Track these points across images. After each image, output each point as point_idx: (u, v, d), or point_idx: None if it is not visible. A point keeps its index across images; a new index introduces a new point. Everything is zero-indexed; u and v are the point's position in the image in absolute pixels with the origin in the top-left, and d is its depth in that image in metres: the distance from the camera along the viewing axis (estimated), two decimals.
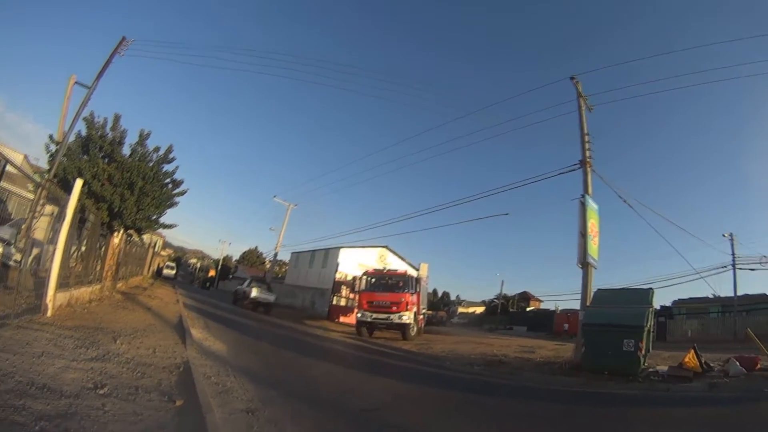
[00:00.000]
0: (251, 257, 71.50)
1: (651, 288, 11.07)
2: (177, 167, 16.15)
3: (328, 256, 33.03)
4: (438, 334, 23.58)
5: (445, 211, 20.22)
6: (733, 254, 28.29)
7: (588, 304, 10.92)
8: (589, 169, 12.56)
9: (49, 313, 7.05)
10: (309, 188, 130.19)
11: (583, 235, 11.69)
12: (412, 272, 23.20)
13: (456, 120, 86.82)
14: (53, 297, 7.30)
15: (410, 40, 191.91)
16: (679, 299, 33.86)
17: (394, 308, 16.84)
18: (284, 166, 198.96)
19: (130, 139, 15.15)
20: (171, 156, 15.83)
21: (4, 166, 5.94)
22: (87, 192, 12.45)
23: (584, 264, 11.65)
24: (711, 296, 28.07)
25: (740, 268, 27.93)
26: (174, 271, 52.78)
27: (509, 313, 55.49)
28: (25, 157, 24.93)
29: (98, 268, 12.46)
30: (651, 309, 9.48)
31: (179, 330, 9.15)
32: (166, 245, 78.65)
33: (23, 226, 8.76)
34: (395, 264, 30.50)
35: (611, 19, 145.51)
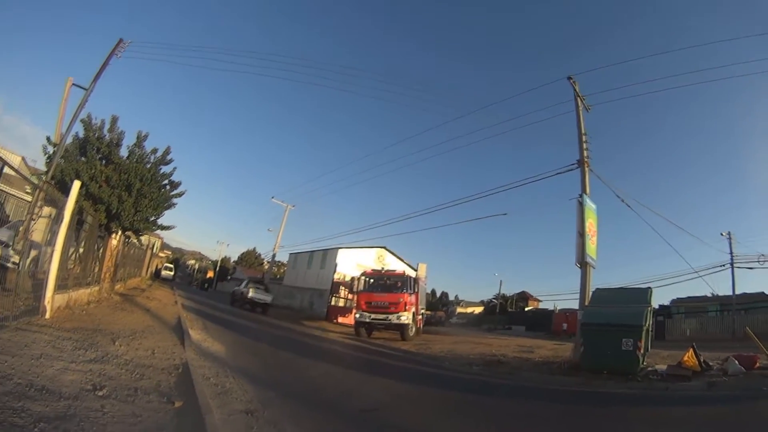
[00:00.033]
0: (249, 258, 71.40)
1: (649, 287, 11.08)
2: (175, 168, 16.18)
3: (327, 256, 33.01)
4: (437, 334, 23.58)
5: (443, 211, 20.22)
6: (731, 253, 28.36)
7: (586, 303, 10.93)
8: (586, 169, 12.59)
9: (47, 315, 7.03)
10: (307, 189, 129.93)
11: (581, 234, 11.70)
12: (411, 272, 23.19)
13: (455, 120, 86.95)
14: (51, 299, 7.29)
15: (410, 40, 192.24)
16: (677, 298, 33.92)
17: (393, 309, 16.83)
18: (282, 166, 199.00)
19: (128, 141, 15.18)
20: (169, 157, 15.85)
21: (2, 168, 5.92)
22: (85, 194, 12.43)
23: (582, 263, 11.67)
24: (709, 295, 28.11)
25: (738, 267, 28.00)
26: (172, 273, 52.70)
27: (508, 313, 55.47)
28: (23, 159, 24.92)
29: (96, 269, 12.43)
30: (649, 308, 9.49)
31: (178, 331, 9.14)
32: (164, 246, 78.39)
33: (21, 228, 8.75)
34: (394, 264, 30.46)
35: (609, 19, 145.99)
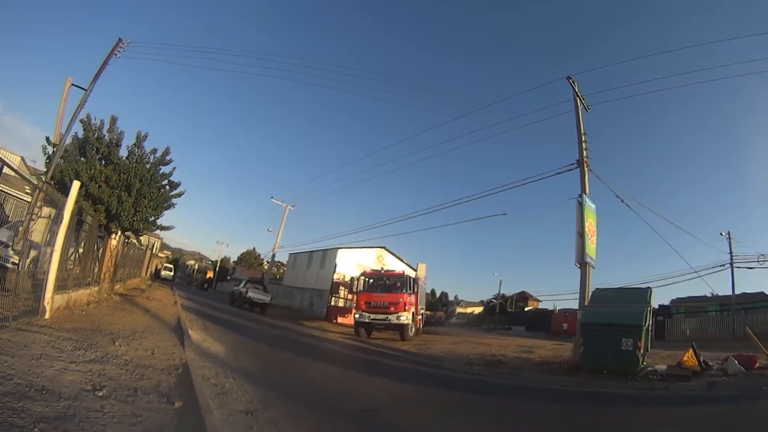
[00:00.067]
0: (249, 258, 71.37)
1: (649, 287, 11.08)
2: (174, 168, 16.20)
3: (326, 256, 33.02)
4: (436, 334, 23.58)
5: (443, 211, 20.25)
6: (731, 253, 28.40)
7: (586, 303, 10.94)
8: (586, 169, 12.59)
9: (47, 316, 7.03)
10: (307, 189, 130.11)
11: (581, 234, 11.71)
12: (410, 272, 23.21)
13: (455, 120, 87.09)
14: (51, 299, 7.29)
15: (410, 40, 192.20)
16: (677, 298, 33.91)
17: (392, 309, 16.82)
18: (282, 167, 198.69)
19: (128, 141, 15.19)
20: (168, 158, 15.86)
21: (2, 169, 5.92)
22: (84, 194, 12.43)
23: (582, 263, 11.67)
24: (709, 295, 28.15)
25: (738, 267, 28.05)
26: (172, 273, 52.70)
27: (508, 313, 55.48)
28: (23, 159, 24.91)
29: (96, 270, 12.43)
30: (649, 308, 9.50)
31: (177, 331, 9.13)
32: (164, 247, 78.38)
33: (21, 229, 8.74)
34: (393, 264, 30.47)
35: (609, 19, 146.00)
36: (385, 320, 16.90)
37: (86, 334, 6.53)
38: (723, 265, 27.84)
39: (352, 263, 30.63)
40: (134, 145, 15.14)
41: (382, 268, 23.89)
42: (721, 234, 29.19)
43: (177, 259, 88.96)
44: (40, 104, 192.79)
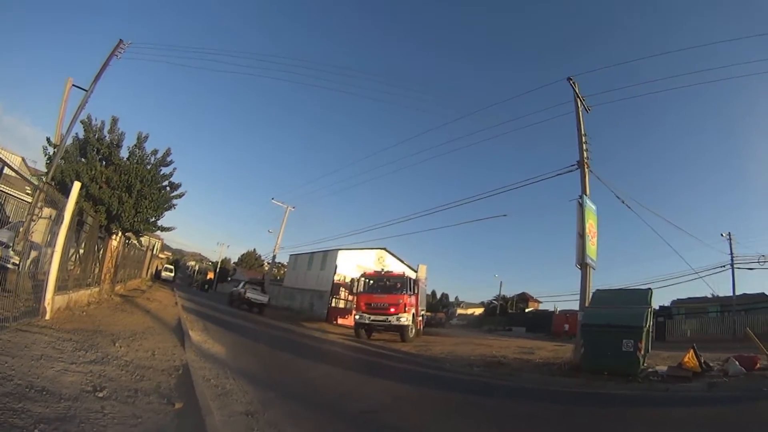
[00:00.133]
0: (249, 259, 71.39)
1: (650, 288, 11.08)
2: (175, 169, 16.20)
3: (327, 258, 33.02)
4: (437, 335, 23.57)
5: (443, 212, 20.29)
6: (731, 254, 28.37)
7: (587, 304, 10.93)
8: (586, 170, 12.59)
9: (47, 316, 7.03)
10: (307, 190, 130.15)
11: (582, 235, 11.70)
12: (411, 274, 23.20)
13: (455, 121, 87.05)
14: (52, 300, 7.29)
15: (410, 40, 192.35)
16: (677, 299, 33.91)
17: (392, 310, 16.81)
18: (283, 168, 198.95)
19: (128, 142, 15.20)
20: (169, 159, 15.86)
21: (2, 169, 5.92)
22: (85, 195, 12.44)
23: (583, 265, 11.67)
24: (710, 296, 28.11)
25: (738, 268, 28.01)
26: (172, 274, 52.70)
27: (508, 314, 55.45)
28: (23, 159, 24.91)
29: (96, 270, 12.44)
30: (650, 309, 9.50)
31: (178, 332, 9.13)
32: (165, 248, 78.46)
33: (21, 229, 8.74)
34: (394, 266, 30.46)
35: (608, 20, 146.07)
36: (385, 321, 16.88)
37: (87, 335, 6.53)
38: (723, 266, 27.84)
39: (353, 264, 30.63)
40: (135, 146, 15.16)
41: (383, 270, 23.89)
42: (722, 235, 29.21)
43: (177, 260, 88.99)
44: (40, 104, 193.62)
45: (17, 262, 7.60)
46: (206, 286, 62.84)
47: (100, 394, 3.83)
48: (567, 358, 11.38)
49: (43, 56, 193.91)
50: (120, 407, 3.63)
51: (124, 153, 15.01)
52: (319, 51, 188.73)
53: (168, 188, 16.14)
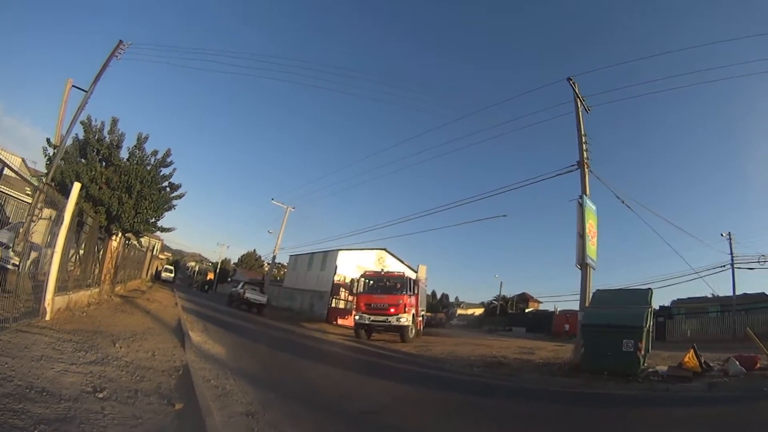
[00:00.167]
0: (249, 260, 71.37)
1: (650, 288, 11.09)
2: (175, 170, 16.18)
3: (327, 258, 33.02)
4: (437, 335, 23.57)
5: (443, 212, 20.30)
6: (731, 253, 28.36)
7: (587, 304, 10.93)
8: (586, 170, 12.59)
9: (47, 317, 7.03)
10: (307, 191, 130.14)
11: (582, 236, 11.70)
12: (411, 274, 23.19)
13: (455, 121, 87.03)
14: (52, 301, 7.29)
15: (410, 41, 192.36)
16: (678, 299, 33.90)
17: (392, 310, 16.80)
18: (283, 168, 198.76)
19: (128, 143, 15.19)
20: (169, 159, 15.85)
21: (2, 170, 5.92)
22: (85, 195, 12.44)
23: (583, 265, 11.67)
24: (710, 296, 28.11)
25: (739, 268, 28.00)
26: (172, 275, 52.70)
27: (508, 314, 55.42)
28: (23, 160, 24.89)
29: (96, 271, 12.44)
30: (650, 309, 9.50)
31: (178, 333, 9.13)
32: (165, 248, 78.45)
33: (21, 230, 8.74)
34: (394, 266, 30.47)
35: (608, 20, 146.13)
36: (385, 322, 16.87)
37: (87, 336, 6.53)
38: (724, 266, 27.83)
39: (353, 265, 30.62)
40: (135, 146, 15.15)
41: (382, 270, 23.88)
42: (722, 235, 29.21)
43: (177, 260, 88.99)
44: (40, 105, 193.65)
45: (17, 263, 7.60)
46: (206, 287, 62.83)
47: (100, 395, 3.83)
48: (567, 358, 11.38)
49: (43, 57, 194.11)
50: (120, 408, 3.62)
51: (124, 154, 15.02)
52: (319, 51, 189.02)
53: (168, 189, 16.14)
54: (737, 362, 8.55)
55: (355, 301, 19.78)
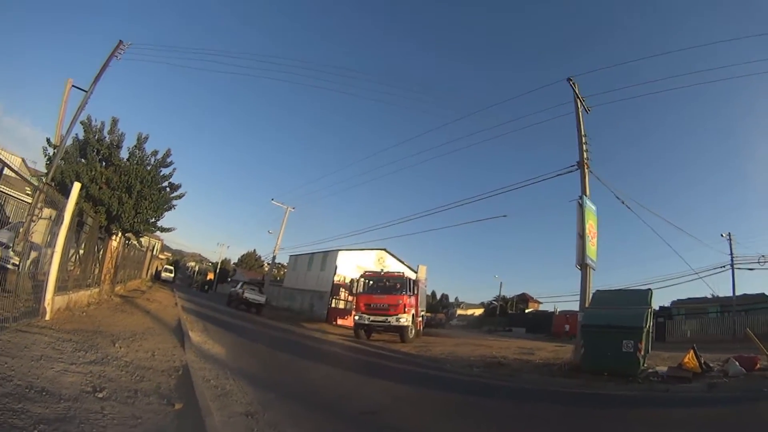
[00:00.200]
0: (250, 260, 71.36)
1: (650, 289, 11.09)
2: (175, 170, 16.19)
3: (327, 258, 33.02)
4: (437, 336, 23.57)
5: (443, 212, 20.32)
6: (731, 254, 28.37)
7: (587, 305, 10.93)
8: (586, 171, 12.59)
9: (47, 317, 7.03)
10: (307, 191, 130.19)
11: (582, 236, 11.70)
12: (410, 274, 23.18)
13: (455, 122, 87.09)
14: (51, 300, 7.29)
15: (410, 41, 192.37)
16: (677, 300, 33.87)
17: (392, 311, 16.79)
18: (283, 169, 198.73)
19: (128, 143, 15.20)
20: (169, 160, 15.85)
21: (2, 170, 5.92)
22: (85, 195, 12.44)
23: (583, 265, 11.67)
24: (710, 296, 28.11)
25: (739, 268, 28.01)
26: (172, 275, 52.73)
27: (508, 314, 55.41)
28: (23, 160, 24.90)
29: (96, 271, 12.44)
30: (650, 310, 9.50)
31: (178, 333, 9.13)
32: (165, 248, 78.44)
33: (21, 230, 8.74)
34: (394, 266, 30.45)
35: (608, 21, 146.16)
36: (384, 322, 16.86)
37: (86, 336, 6.53)
38: (723, 267, 27.84)
39: (353, 265, 30.61)
40: (135, 146, 15.16)
41: (382, 270, 23.88)
42: (722, 235, 29.22)
43: (177, 260, 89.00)
44: (40, 105, 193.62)
45: (17, 263, 7.60)
46: (206, 287, 62.83)
47: (100, 395, 3.83)
48: (567, 358, 11.38)
49: (43, 56, 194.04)
50: (120, 408, 3.62)
51: (124, 154, 15.03)
52: (319, 51, 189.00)
53: (168, 189, 16.15)
54: (737, 363, 8.55)
55: (354, 301, 19.78)
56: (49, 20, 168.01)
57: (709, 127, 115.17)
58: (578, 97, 13.41)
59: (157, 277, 47.77)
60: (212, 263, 78.14)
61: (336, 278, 30.62)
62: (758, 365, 8.67)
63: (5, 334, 5.18)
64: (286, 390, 6.06)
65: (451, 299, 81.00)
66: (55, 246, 7.36)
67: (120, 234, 15.44)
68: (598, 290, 11.56)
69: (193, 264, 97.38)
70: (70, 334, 6.35)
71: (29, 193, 13.05)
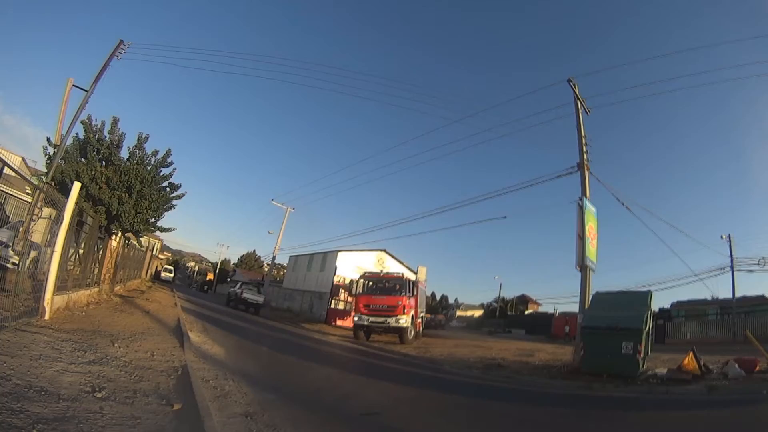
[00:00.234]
0: (249, 261, 71.26)
1: (649, 290, 11.06)
2: (175, 170, 16.16)
3: (327, 259, 32.97)
4: (436, 337, 23.56)
5: (443, 214, 20.24)
6: (731, 256, 28.35)
7: (587, 307, 10.92)
8: (587, 172, 12.58)
9: (46, 316, 7.02)
10: (308, 191, 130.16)
11: (582, 238, 11.69)
12: (410, 275, 23.16)
13: (455, 123, 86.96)
14: (51, 300, 7.28)
15: (410, 43, 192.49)
16: (677, 301, 33.84)
17: (391, 312, 16.77)
18: (283, 169, 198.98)
19: (129, 143, 15.18)
20: (169, 160, 15.84)
21: (2, 169, 5.92)
22: (85, 195, 12.44)
23: (583, 267, 11.65)
24: (710, 298, 28.12)
25: (738, 270, 27.98)
26: (172, 275, 52.75)
27: (508, 316, 55.42)
28: (23, 159, 24.88)
29: (96, 271, 12.43)
30: (649, 311, 9.49)
31: (177, 333, 9.12)
32: (164, 248, 78.41)
33: (21, 229, 8.74)
34: (394, 267, 30.41)
35: (608, 21, 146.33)
36: (384, 323, 16.84)
37: (86, 336, 6.52)
38: (723, 269, 27.81)
39: (353, 266, 30.58)
40: (135, 146, 15.14)
41: (382, 271, 23.87)
42: (722, 237, 29.18)
43: (177, 260, 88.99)
44: (40, 105, 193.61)
45: (17, 262, 7.60)
46: (206, 287, 62.78)
47: (99, 395, 3.82)
48: (566, 360, 11.38)
49: (43, 56, 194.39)
50: (119, 408, 3.62)
51: (124, 153, 15.02)
52: (318, 53, 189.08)
53: (168, 189, 16.13)
54: (737, 365, 8.56)
55: (354, 302, 19.77)
56: (50, 20, 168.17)
57: (710, 127, 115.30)
58: (578, 99, 13.40)
59: (156, 277, 47.79)
60: (212, 263, 78.09)
61: (336, 279, 30.59)
62: (758, 367, 8.67)
63: (4, 333, 5.17)
64: (285, 391, 6.05)
65: (451, 300, 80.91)
66: (54, 245, 7.35)
67: (120, 234, 15.43)
68: (597, 292, 11.54)
69: (192, 264, 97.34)
70: (69, 333, 6.34)
71: (29, 192, 13.05)
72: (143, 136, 15.34)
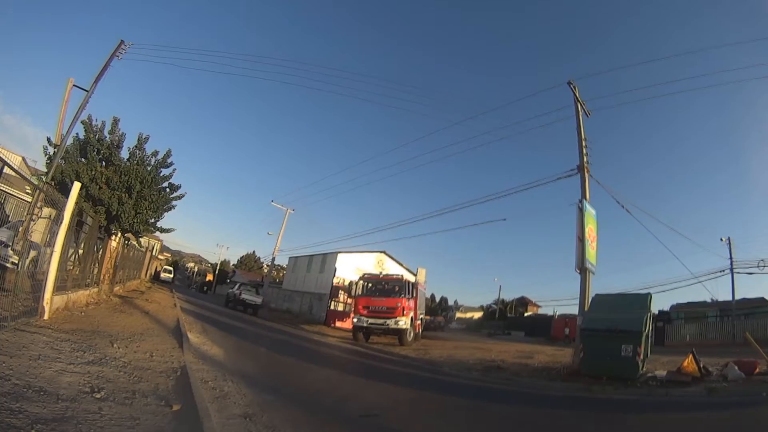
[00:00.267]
0: (249, 262, 71.21)
1: (649, 293, 11.04)
2: (175, 170, 16.19)
3: (326, 261, 32.95)
4: (436, 339, 23.54)
5: (443, 216, 20.31)
6: (731, 258, 28.34)
7: (586, 309, 10.91)
8: (586, 175, 12.58)
9: (46, 316, 7.01)
10: (307, 192, 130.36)
11: (581, 240, 11.68)
12: (409, 277, 23.15)
13: (455, 125, 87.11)
14: (50, 300, 7.27)
15: (410, 44, 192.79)
16: (677, 304, 33.82)
17: (391, 313, 16.76)
18: (283, 170, 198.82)
19: (129, 143, 15.20)
20: (169, 160, 15.85)
21: (2, 169, 5.92)
22: (85, 195, 12.44)
23: (582, 269, 11.64)
24: (709, 300, 28.10)
25: (738, 273, 27.94)
26: (171, 275, 52.75)
27: (507, 318, 55.37)
28: (23, 159, 24.89)
29: (96, 271, 12.42)
30: (649, 314, 9.49)
31: (176, 334, 9.11)
32: (164, 249, 78.36)
33: (21, 229, 8.74)
34: (393, 269, 30.40)
35: (608, 22, 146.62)
36: (383, 325, 16.82)
37: (85, 336, 6.51)
38: (723, 271, 27.78)
39: (352, 267, 30.54)
40: (135, 147, 15.17)
41: (381, 273, 23.86)
42: (721, 239, 29.19)
43: (177, 261, 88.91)
44: (41, 104, 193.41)
45: (16, 262, 7.60)
46: (205, 288, 62.72)
47: (98, 395, 3.81)
48: (566, 362, 11.36)
49: (44, 56, 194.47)
50: (117, 408, 3.61)
51: (124, 154, 15.05)
52: (318, 54, 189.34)
53: (168, 189, 16.15)
54: (736, 367, 8.55)
55: (353, 303, 19.75)
56: (50, 20, 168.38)
57: (710, 129, 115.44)
58: (579, 101, 13.41)
59: (156, 277, 47.76)
60: (211, 264, 78.03)
61: (335, 280, 30.56)
62: (757, 369, 8.66)
63: (3, 332, 5.17)
64: (285, 392, 6.05)
65: (451, 302, 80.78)
66: (54, 245, 7.34)
67: (119, 234, 15.43)
68: (597, 294, 11.54)
69: (192, 265, 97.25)
70: (68, 333, 6.33)
71: (29, 192, 13.06)
72: (143, 137, 15.36)
